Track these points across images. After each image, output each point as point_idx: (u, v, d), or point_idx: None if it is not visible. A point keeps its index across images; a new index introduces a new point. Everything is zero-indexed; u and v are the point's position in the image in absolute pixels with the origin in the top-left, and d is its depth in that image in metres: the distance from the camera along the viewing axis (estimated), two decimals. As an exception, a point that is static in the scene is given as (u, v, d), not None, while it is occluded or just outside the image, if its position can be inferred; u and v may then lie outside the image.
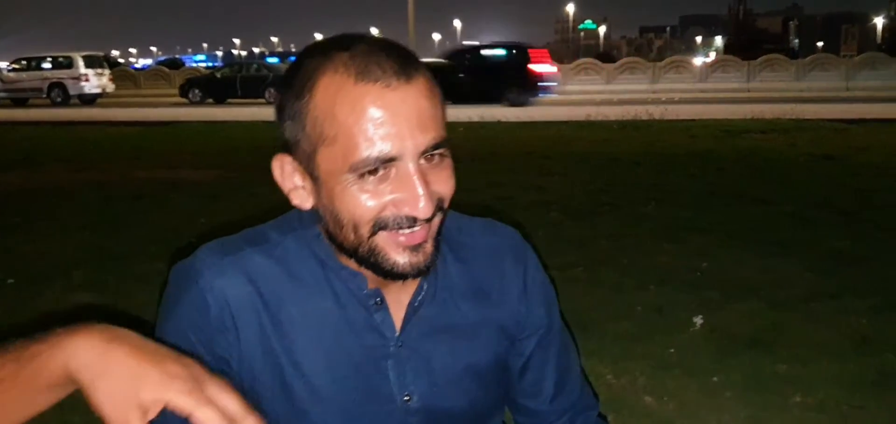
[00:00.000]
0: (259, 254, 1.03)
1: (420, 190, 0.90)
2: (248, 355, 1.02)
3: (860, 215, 6.18)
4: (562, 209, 6.49)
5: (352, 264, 1.00)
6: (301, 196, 0.99)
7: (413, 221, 0.92)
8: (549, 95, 21.29)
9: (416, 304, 1.05)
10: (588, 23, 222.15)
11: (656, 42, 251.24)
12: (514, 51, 22.26)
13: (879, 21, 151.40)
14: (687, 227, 5.80)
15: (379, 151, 0.89)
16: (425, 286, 1.05)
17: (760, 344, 3.54)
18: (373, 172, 0.90)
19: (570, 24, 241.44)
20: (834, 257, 4.94)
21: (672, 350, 3.52)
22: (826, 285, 4.35)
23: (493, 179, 8.16)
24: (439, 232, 0.98)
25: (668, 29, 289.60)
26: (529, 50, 21.86)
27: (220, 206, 6.90)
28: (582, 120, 15.42)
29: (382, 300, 1.04)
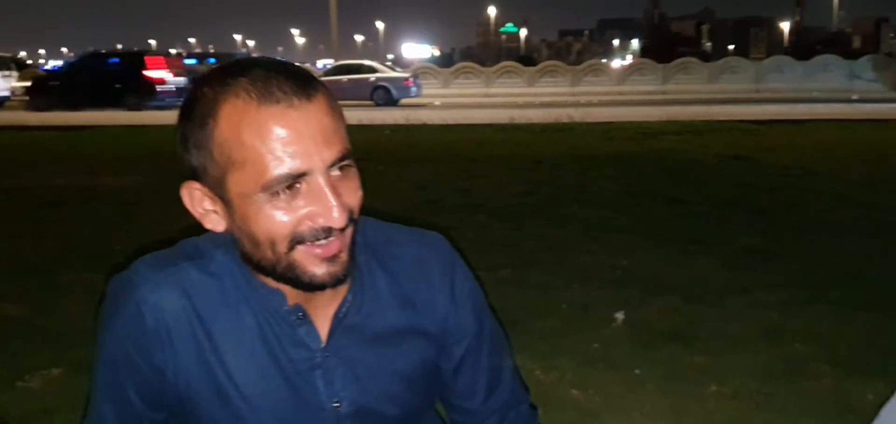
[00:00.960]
0: (194, 268, 1.06)
1: (333, 200, 0.93)
2: (184, 365, 1.05)
3: (769, 213, 6.46)
4: (489, 212, 6.58)
5: (270, 281, 1.02)
6: (213, 220, 1.02)
7: (328, 232, 0.95)
8: (172, 102, 21.13)
9: (340, 315, 1.09)
10: (509, 26, 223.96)
11: (575, 45, 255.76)
12: (129, 58, 23.16)
13: (786, 25, 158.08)
14: (608, 227, 5.96)
15: (289, 167, 0.91)
16: (350, 298, 1.09)
17: (678, 338, 3.68)
18: (287, 188, 0.92)
19: (492, 26, 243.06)
20: (745, 253, 5.16)
21: (596, 345, 3.63)
22: (738, 280, 4.54)
23: (421, 181, 8.23)
24: (353, 242, 1.01)
25: (586, 32, 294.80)
26: (145, 57, 22.71)
27: (141, 212, 6.73)
28: (506, 123, 15.56)
29: (305, 314, 1.06)
